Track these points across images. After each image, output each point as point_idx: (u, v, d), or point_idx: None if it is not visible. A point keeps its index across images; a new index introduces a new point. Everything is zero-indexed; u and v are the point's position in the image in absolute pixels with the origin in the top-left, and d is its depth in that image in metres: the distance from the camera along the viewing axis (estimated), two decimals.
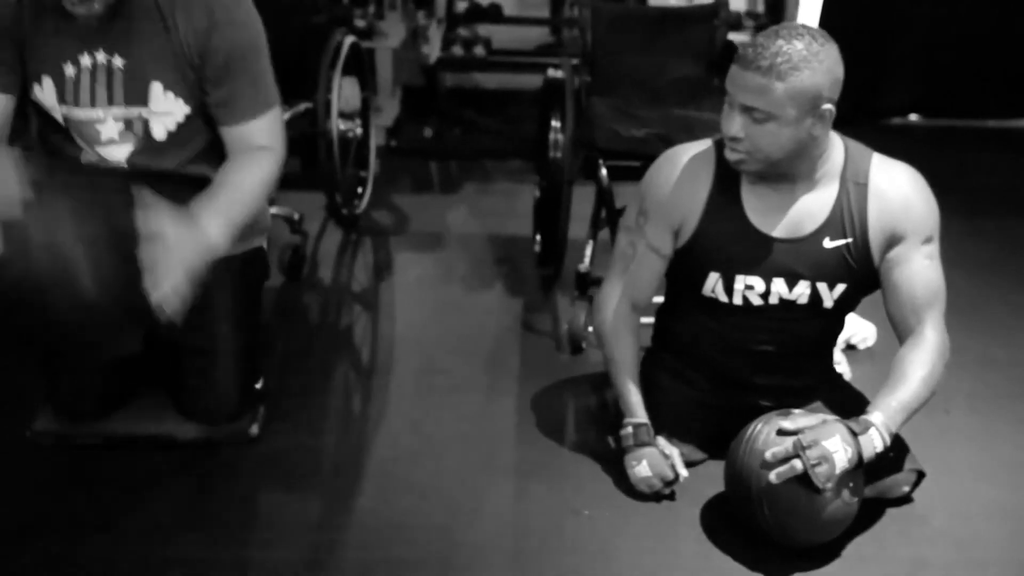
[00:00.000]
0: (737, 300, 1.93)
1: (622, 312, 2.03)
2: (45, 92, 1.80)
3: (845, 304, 1.95)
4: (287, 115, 2.89)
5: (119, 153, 1.86)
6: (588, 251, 2.60)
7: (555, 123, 2.65)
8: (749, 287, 1.91)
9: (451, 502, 1.98)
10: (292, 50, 2.97)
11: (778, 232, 1.89)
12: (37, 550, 1.79)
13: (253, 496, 2.01)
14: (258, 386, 2.19)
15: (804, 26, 1.76)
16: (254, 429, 2.14)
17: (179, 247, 1.63)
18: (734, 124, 1.79)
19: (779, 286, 1.91)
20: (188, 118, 1.86)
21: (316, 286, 2.97)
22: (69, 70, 1.78)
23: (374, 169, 3.52)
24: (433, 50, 4.30)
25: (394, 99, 4.36)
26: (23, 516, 1.89)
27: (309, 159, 3.02)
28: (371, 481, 2.05)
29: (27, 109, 1.88)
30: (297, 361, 2.47)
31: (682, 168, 1.93)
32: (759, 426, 1.81)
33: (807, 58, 1.70)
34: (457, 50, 4.43)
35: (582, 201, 2.70)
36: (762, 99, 1.73)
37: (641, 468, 1.95)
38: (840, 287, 1.90)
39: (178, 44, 1.77)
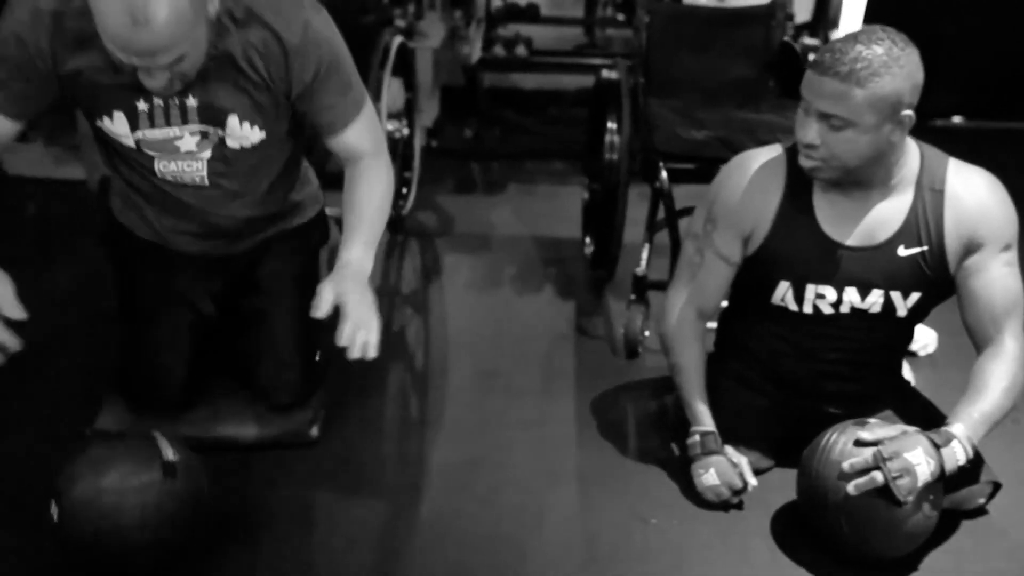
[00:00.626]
0: (807, 309, 1.91)
1: (688, 319, 2.00)
2: (116, 124, 1.78)
3: (919, 313, 1.92)
4: None
5: (197, 164, 1.85)
6: (644, 254, 2.58)
7: (611, 125, 2.62)
8: (820, 296, 1.89)
9: (517, 509, 1.97)
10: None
11: (851, 240, 1.86)
12: None
13: (315, 500, 2.00)
14: (317, 358, 2.18)
15: (884, 29, 1.73)
16: (314, 431, 2.14)
17: (359, 303, 1.73)
18: (810, 131, 1.76)
19: (851, 295, 1.88)
20: (263, 142, 1.86)
21: None
22: (141, 105, 1.75)
23: (418, 170, 3.51)
24: (474, 50, 4.28)
25: (434, 99, 4.34)
26: None
27: None
28: (434, 487, 2.04)
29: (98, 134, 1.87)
30: (350, 365, 2.44)
31: (752, 175, 1.90)
32: (834, 436, 1.79)
33: (887, 63, 1.68)
34: (499, 50, 4.41)
35: (634, 203, 2.69)
36: (840, 106, 1.70)
37: (709, 476, 1.93)
38: (915, 296, 1.87)
39: (255, 78, 1.75)
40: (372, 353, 1.73)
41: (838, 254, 1.86)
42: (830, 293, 1.88)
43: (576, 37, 5.93)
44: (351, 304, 1.72)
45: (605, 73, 2.80)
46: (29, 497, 1.81)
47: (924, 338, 2.53)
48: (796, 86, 2.71)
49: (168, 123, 1.78)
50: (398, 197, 3.32)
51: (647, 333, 2.54)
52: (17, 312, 1.66)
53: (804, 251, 1.87)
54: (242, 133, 1.82)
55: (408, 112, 3.39)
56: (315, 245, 2.22)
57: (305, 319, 2.11)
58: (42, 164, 3.63)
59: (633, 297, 2.56)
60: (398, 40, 3.14)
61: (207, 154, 1.84)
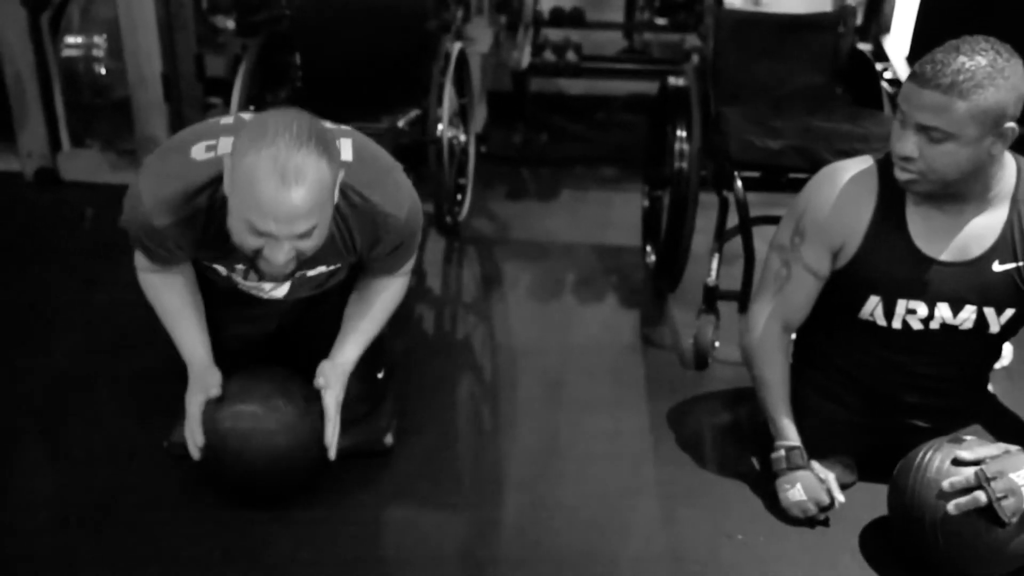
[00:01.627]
0: (896, 324, 1.88)
1: (773, 332, 1.98)
2: (214, 268, 1.91)
3: (1011, 329, 1.89)
4: (401, 122, 2.89)
5: (278, 293, 1.99)
6: (714, 264, 2.55)
7: (680, 132, 2.60)
8: (911, 311, 1.86)
9: (599, 524, 1.95)
10: (411, 58, 2.97)
11: (944, 255, 1.83)
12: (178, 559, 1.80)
13: (393, 512, 1.99)
14: (380, 375, 2.17)
15: (986, 39, 1.70)
16: (389, 439, 2.13)
17: (336, 402, 1.91)
18: (908, 143, 1.73)
19: (943, 311, 1.85)
20: (338, 268, 1.96)
21: (427, 296, 2.94)
22: (239, 266, 1.87)
23: (472, 176, 3.50)
24: (524, 55, 4.26)
25: (482, 104, 4.33)
26: (161, 524, 1.91)
27: (414, 166, 3.00)
28: (513, 500, 2.03)
29: None
30: (419, 373, 2.45)
31: (843, 187, 1.88)
32: (930, 453, 1.76)
33: (991, 75, 1.65)
34: (549, 56, 4.38)
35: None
36: (941, 118, 1.67)
37: (795, 492, 1.91)
38: (1009, 312, 1.84)
39: (348, 245, 1.85)
40: (331, 456, 1.91)
41: (931, 269, 1.83)
42: (921, 309, 1.85)
43: (616, 42, 5.90)
44: (331, 402, 1.90)
45: (672, 80, 2.77)
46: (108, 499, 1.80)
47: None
48: (868, 94, 2.73)
49: (260, 281, 1.92)
50: (453, 203, 3.31)
51: (717, 344, 2.51)
52: (216, 393, 1.90)
53: (896, 266, 1.84)
54: (324, 270, 1.93)
55: (463, 118, 3.38)
56: None
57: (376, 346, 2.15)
58: (99, 170, 3.64)
59: (703, 307, 2.53)
60: (458, 46, 3.13)
61: (287, 288, 1.98)
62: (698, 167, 2.57)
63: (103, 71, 3.39)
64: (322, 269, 1.91)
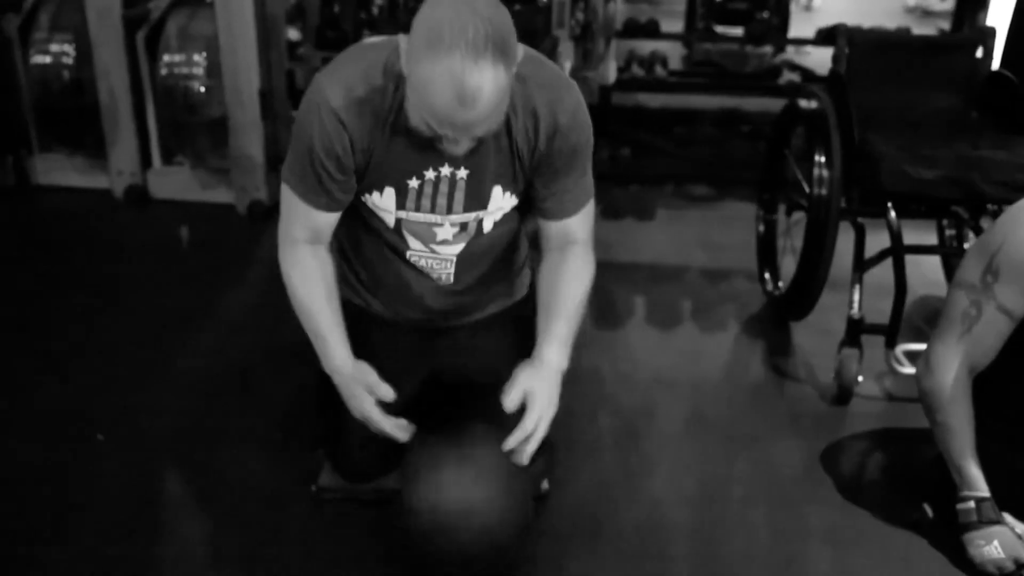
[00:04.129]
0: None
1: (961, 377, 1.88)
2: (384, 199, 1.74)
3: None
4: None
5: (451, 250, 1.80)
6: (856, 296, 2.45)
7: (819, 158, 2.51)
8: None
9: (776, 572, 1.86)
10: None
11: None
12: None
13: (556, 558, 1.90)
14: None
15: None
16: (545, 484, 2.04)
17: (546, 407, 1.65)
18: None
19: None
20: (513, 208, 1.80)
21: None
22: (413, 183, 1.71)
23: None
24: (610, 70, 4.19)
25: None
26: (310, 568, 1.84)
27: None
28: (679, 550, 1.94)
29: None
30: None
31: None
32: None
33: None
34: (636, 70, 4.30)
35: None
36: None
37: (991, 549, 1.81)
38: None
39: (518, 148, 1.69)
40: (524, 461, 1.65)
41: None
42: None
43: (671, 52, 5.79)
44: (537, 408, 1.63)
45: (804, 103, 2.68)
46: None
47: None
48: (1009, 119, 2.62)
49: (433, 209, 1.74)
50: None
51: (860, 379, 2.42)
52: (388, 393, 1.66)
53: None
54: (500, 204, 1.76)
55: None
56: (530, 318, 2.11)
57: None
58: (189, 187, 3.59)
59: (845, 340, 2.44)
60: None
61: (459, 249, 1.80)
62: (839, 194, 2.47)
63: (202, 89, 3.32)
64: (499, 198, 1.73)
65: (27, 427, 2.25)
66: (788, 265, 2.84)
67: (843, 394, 2.42)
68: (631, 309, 2.96)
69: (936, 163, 2.33)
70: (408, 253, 1.80)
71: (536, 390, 1.64)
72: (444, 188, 1.71)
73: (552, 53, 2.97)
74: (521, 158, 1.70)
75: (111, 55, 3.37)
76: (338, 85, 1.63)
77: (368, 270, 1.89)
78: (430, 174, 1.69)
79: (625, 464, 2.21)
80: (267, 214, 3.49)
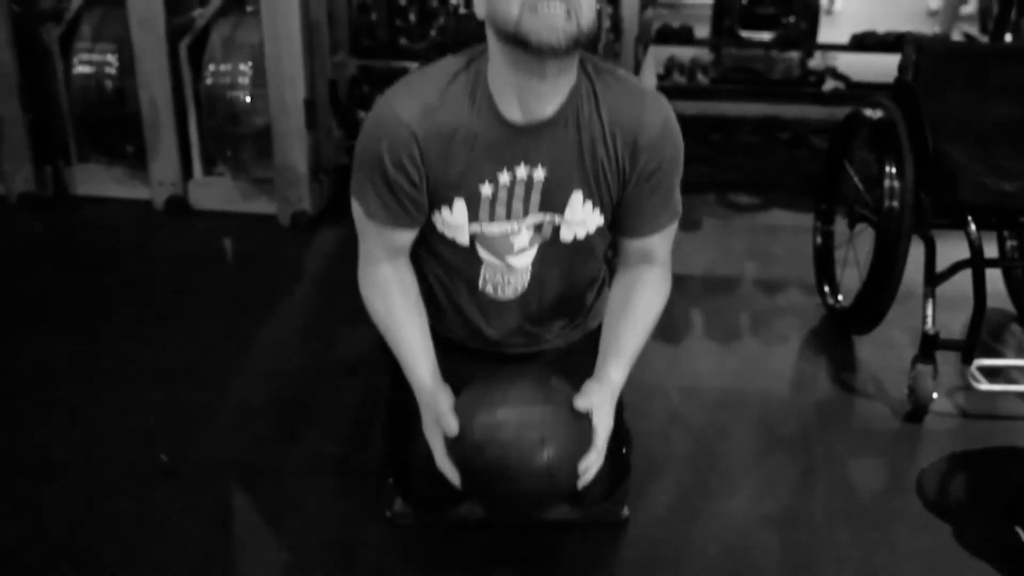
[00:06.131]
0: None
1: None
2: (455, 214, 1.67)
3: None
4: None
5: (525, 260, 1.73)
6: (929, 311, 2.40)
7: (890, 169, 2.46)
8: None
9: None
10: None
11: None
12: None
13: None
14: (624, 450, 2.01)
15: None
16: (625, 511, 1.99)
17: (606, 428, 1.65)
18: None
19: None
20: (599, 230, 1.72)
21: None
22: (486, 189, 1.64)
23: None
24: (649, 77, 4.14)
25: None
26: None
27: None
28: (769, 571, 1.89)
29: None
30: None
31: None
32: None
33: None
34: (678, 77, 4.25)
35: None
36: None
37: None
38: None
39: (602, 153, 1.62)
40: (586, 479, 1.64)
41: None
42: None
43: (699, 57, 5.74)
44: (602, 428, 1.64)
45: (869, 112, 2.62)
46: None
47: None
48: None
49: (508, 215, 1.67)
50: None
51: (935, 396, 2.36)
52: (452, 427, 1.59)
53: None
54: (581, 216, 1.69)
55: None
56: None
57: (617, 416, 1.96)
58: (230, 198, 3.54)
59: (919, 356, 2.38)
60: None
61: (533, 255, 1.72)
62: (912, 206, 2.42)
63: (247, 99, 3.27)
64: (577, 208, 1.66)
65: (89, 449, 2.21)
66: (848, 277, 2.80)
67: (918, 411, 2.37)
68: (689, 322, 2.91)
69: (1017, 175, 2.28)
70: (481, 276, 1.74)
71: (601, 409, 1.64)
72: (520, 191, 1.64)
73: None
74: (602, 167, 1.64)
75: (154, 65, 3.32)
76: (406, 94, 1.60)
77: (448, 305, 1.83)
78: (504, 177, 1.63)
79: (703, 485, 2.15)
80: (310, 225, 3.44)
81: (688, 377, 2.59)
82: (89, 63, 3.39)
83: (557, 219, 1.68)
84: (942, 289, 2.41)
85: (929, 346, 2.37)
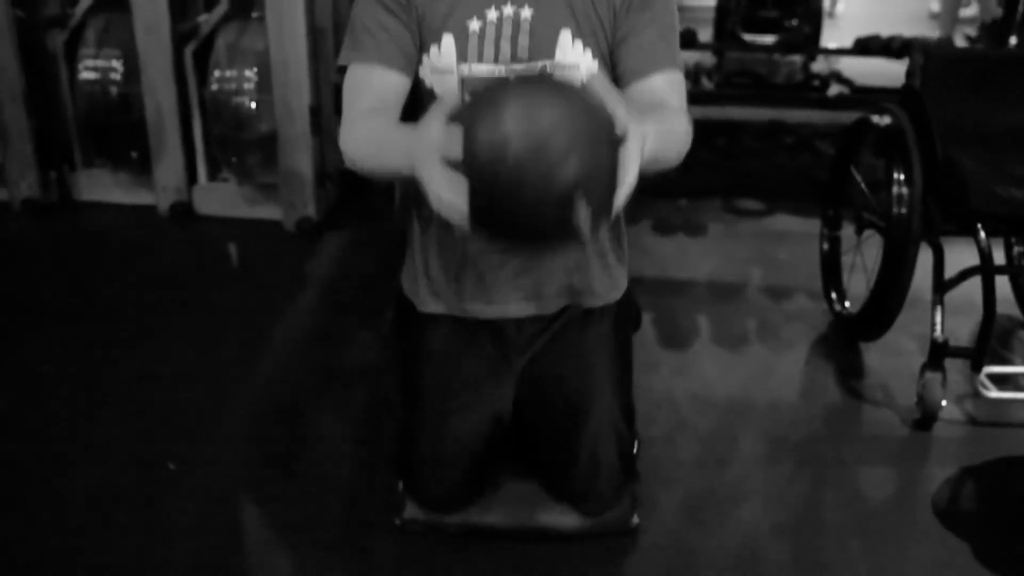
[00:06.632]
0: None
1: None
2: (443, 54, 1.65)
3: None
4: None
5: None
6: (938, 318, 2.39)
7: (898, 175, 2.45)
8: None
9: None
10: None
11: None
12: None
13: None
14: (635, 450, 2.01)
15: None
16: (635, 519, 1.98)
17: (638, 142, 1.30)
18: None
19: None
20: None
21: None
22: (473, 25, 1.64)
23: None
24: None
25: None
26: None
27: None
28: None
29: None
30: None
31: None
32: None
33: None
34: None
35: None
36: None
37: None
38: None
39: None
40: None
41: None
42: None
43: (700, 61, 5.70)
44: (634, 147, 1.27)
45: (877, 119, 2.62)
46: None
47: None
48: None
49: (496, 57, 1.64)
50: None
51: (944, 403, 2.36)
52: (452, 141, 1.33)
53: None
54: (573, 57, 1.64)
55: None
56: (630, 330, 2.00)
57: (626, 416, 1.95)
58: (234, 204, 3.53)
59: (928, 363, 2.37)
60: None
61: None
62: (920, 213, 2.41)
63: (253, 105, 3.27)
64: (567, 47, 1.62)
65: (93, 457, 2.20)
66: (856, 284, 2.79)
67: (927, 419, 2.36)
68: (696, 328, 2.90)
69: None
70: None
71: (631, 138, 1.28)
72: (507, 30, 1.64)
73: None
74: (596, 14, 1.63)
75: (159, 71, 3.32)
76: None
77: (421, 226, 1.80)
78: (492, 15, 1.63)
79: (713, 492, 2.14)
80: (315, 230, 3.44)
81: (696, 384, 2.59)
82: (94, 69, 3.38)
83: (548, 65, 1.66)
84: (949, 296, 2.41)
85: (938, 353, 2.36)
